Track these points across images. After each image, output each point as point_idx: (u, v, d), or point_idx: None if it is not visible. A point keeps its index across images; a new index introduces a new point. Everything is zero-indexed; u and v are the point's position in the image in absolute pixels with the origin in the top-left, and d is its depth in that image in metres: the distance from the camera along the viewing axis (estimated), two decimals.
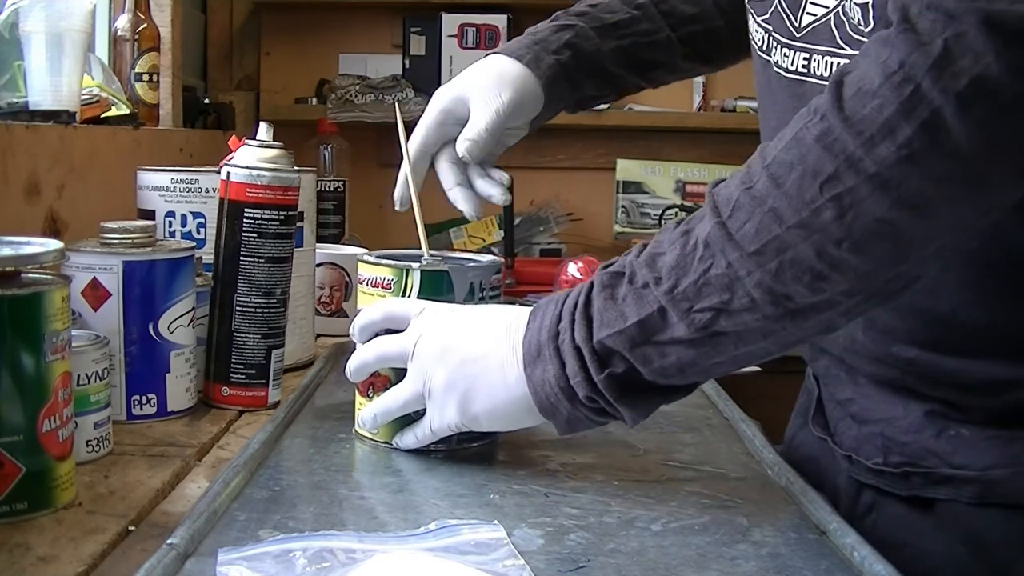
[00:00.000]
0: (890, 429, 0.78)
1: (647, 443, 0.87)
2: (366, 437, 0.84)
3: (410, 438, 0.80)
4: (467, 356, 0.73)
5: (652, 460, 0.82)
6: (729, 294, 0.62)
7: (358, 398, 0.85)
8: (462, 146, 0.92)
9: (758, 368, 1.14)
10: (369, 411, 0.81)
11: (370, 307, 0.81)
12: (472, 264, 0.85)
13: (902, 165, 0.56)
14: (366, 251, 0.90)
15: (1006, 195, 0.59)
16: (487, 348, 0.73)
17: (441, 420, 0.76)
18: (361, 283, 0.84)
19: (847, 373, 0.82)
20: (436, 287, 0.81)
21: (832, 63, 0.72)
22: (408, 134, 0.93)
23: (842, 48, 0.71)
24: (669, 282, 0.64)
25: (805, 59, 0.75)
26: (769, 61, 0.80)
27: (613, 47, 0.98)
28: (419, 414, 0.78)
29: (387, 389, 0.81)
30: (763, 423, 0.95)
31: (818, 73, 0.74)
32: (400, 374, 0.79)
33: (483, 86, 0.92)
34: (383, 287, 0.82)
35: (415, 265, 0.82)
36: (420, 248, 0.88)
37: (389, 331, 0.80)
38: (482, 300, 0.82)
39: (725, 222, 0.62)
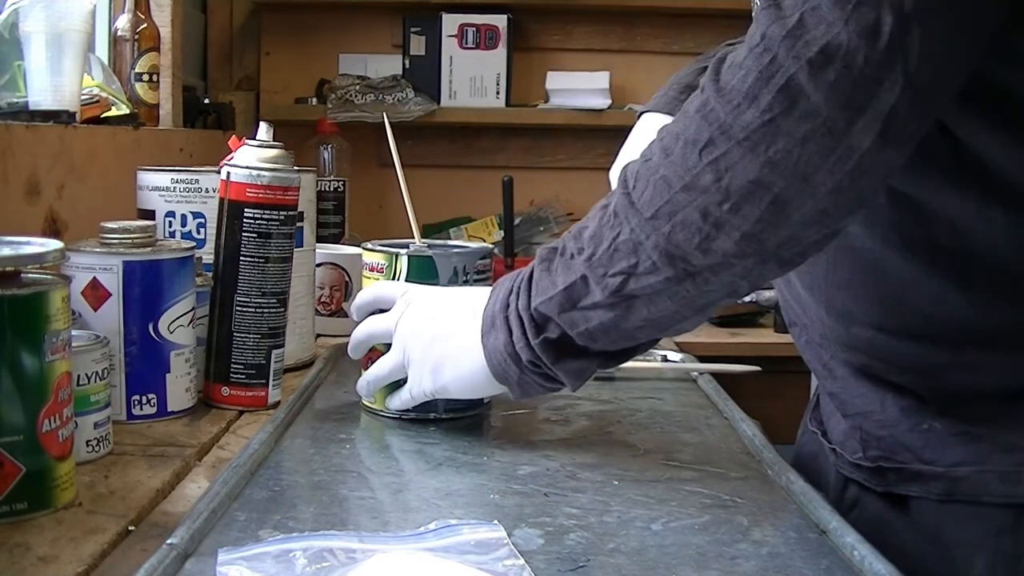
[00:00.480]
0: (868, 423, 0.80)
1: (647, 443, 0.87)
2: (367, 407, 0.93)
3: (396, 402, 0.89)
4: (438, 332, 0.82)
5: (652, 460, 0.82)
6: (635, 258, 0.68)
7: (362, 373, 0.94)
8: None
9: (758, 368, 1.14)
10: (363, 379, 0.91)
11: (364, 290, 0.92)
12: (456, 250, 0.93)
13: (766, 128, 0.61)
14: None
15: (878, 158, 0.61)
16: (455, 325, 0.80)
17: (418, 387, 0.84)
18: (363, 268, 0.94)
19: (825, 364, 0.83)
20: (422, 270, 0.90)
21: None
22: (397, 139, 1.00)
23: None
24: (588, 251, 0.70)
25: None
26: None
27: None
28: (405, 381, 0.87)
29: None
30: (763, 423, 0.95)
31: None
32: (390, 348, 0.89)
33: None
34: (377, 271, 0.92)
35: (403, 251, 0.91)
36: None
37: (379, 311, 0.89)
38: (466, 283, 0.91)
39: (630, 192, 0.68)
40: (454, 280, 0.90)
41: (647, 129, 1.03)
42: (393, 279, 0.91)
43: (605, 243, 0.69)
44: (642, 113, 1.05)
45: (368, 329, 0.89)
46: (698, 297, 0.68)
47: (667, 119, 1.00)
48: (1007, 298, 0.71)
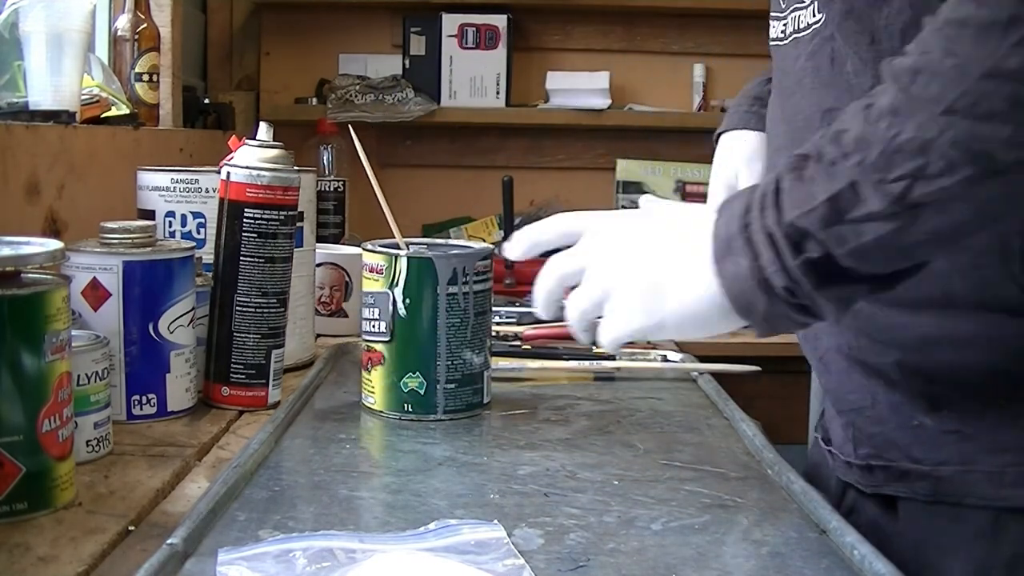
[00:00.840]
0: (860, 419, 0.79)
1: (647, 443, 0.87)
2: (367, 407, 0.92)
3: (607, 339, 0.71)
4: (652, 258, 0.69)
5: (652, 460, 0.82)
6: (923, 159, 0.59)
7: (362, 373, 0.93)
8: None
9: (758, 368, 1.14)
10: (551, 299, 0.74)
11: (540, 225, 0.75)
12: (456, 251, 0.92)
13: None
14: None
15: None
16: (672, 249, 0.68)
17: (626, 326, 0.69)
18: (363, 269, 0.93)
19: (821, 358, 0.83)
20: (422, 272, 0.89)
21: (799, 16, 0.78)
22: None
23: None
24: (857, 155, 0.61)
25: (783, 24, 0.81)
26: (771, 41, 0.85)
27: None
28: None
29: (382, 365, 0.90)
30: (763, 423, 0.95)
31: (788, 31, 0.80)
32: (391, 348, 0.89)
33: (739, 166, 1.00)
34: (377, 271, 0.91)
35: (402, 252, 0.90)
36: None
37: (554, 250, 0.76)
38: (466, 284, 0.90)
39: (908, 88, 0.60)
40: (454, 282, 0.90)
41: (731, 148, 1.01)
42: (393, 281, 0.90)
43: (879, 144, 0.60)
44: (719, 135, 1.02)
45: (557, 271, 0.73)
46: (999, 202, 0.60)
47: (749, 135, 0.99)
48: (998, 264, 0.69)
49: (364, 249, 0.94)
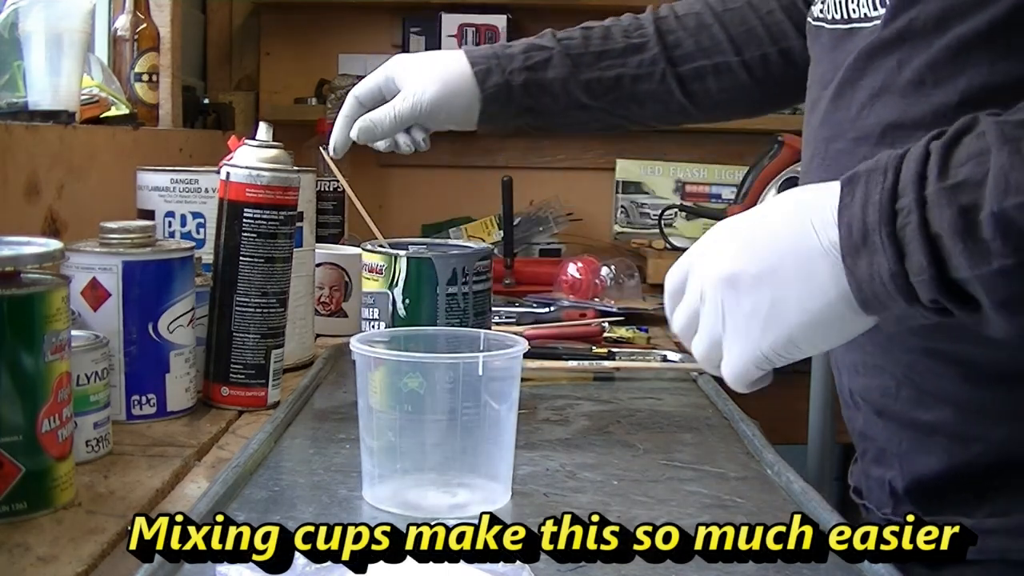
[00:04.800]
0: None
1: (647, 443, 0.87)
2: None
3: (731, 374, 0.62)
4: (762, 269, 0.58)
5: (652, 460, 0.82)
6: None
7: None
8: (356, 128, 0.99)
9: None
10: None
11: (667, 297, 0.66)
12: (455, 251, 0.93)
13: None
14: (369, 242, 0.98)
15: None
16: (783, 250, 0.58)
17: (751, 353, 0.60)
18: (362, 269, 0.93)
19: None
20: (421, 272, 0.90)
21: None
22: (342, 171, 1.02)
23: None
24: None
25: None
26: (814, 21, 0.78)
27: (590, 78, 0.98)
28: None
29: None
30: (763, 423, 0.95)
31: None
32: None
33: (420, 77, 0.96)
34: (376, 272, 0.91)
35: (402, 252, 0.90)
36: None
37: None
38: (466, 285, 0.91)
39: None
40: (453, 282, 0.90)
41: (440, 61, 0.97)
42: (392, 281, 0.90)
43: None
44: (461, 49, 0.98)
45: (681, 331, 0.65)
46: None
47: (465, 68, 0.95)
48: None
49: (364, 249, 0.94)
